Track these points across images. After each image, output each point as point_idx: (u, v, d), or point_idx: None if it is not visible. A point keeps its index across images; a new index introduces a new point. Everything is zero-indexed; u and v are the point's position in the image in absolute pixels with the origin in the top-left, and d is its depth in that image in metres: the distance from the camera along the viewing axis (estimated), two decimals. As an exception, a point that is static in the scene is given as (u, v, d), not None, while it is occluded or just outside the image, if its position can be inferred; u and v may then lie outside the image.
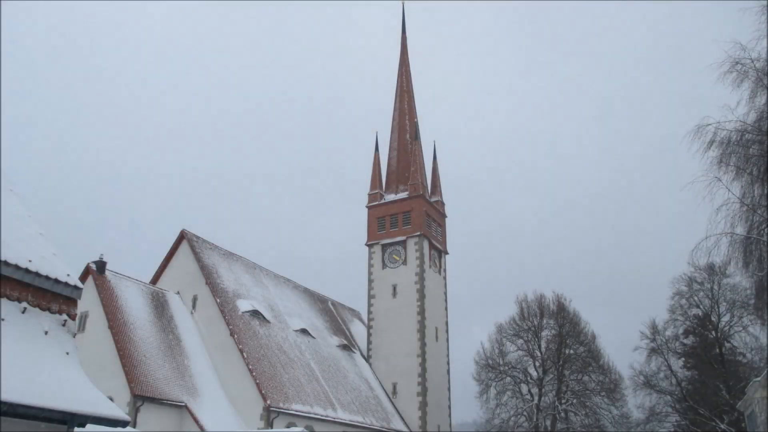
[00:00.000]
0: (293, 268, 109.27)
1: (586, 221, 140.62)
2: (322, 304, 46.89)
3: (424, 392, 41.88)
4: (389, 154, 51.54)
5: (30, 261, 9.97)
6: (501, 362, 43.22)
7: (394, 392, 42.72)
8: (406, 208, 47.02)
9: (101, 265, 31.06)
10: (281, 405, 30.16)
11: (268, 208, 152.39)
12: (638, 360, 40.54)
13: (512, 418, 41.21)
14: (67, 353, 10.08)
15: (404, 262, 45.57)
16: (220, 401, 30.23)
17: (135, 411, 26.28)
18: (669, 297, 39.16)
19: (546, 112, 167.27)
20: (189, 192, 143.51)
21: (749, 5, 17.51)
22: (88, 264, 31.00)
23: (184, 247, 36.15)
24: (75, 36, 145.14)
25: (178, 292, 35.11)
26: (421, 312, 43.76)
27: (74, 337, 10.60)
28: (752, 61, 17.62)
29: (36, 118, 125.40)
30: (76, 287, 10.68)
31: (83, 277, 30.13)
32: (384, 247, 46.73)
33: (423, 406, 41.57)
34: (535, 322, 43.37)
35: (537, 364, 42.36)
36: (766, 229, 17.54)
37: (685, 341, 39.65)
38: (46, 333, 9.95)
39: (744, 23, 17.44)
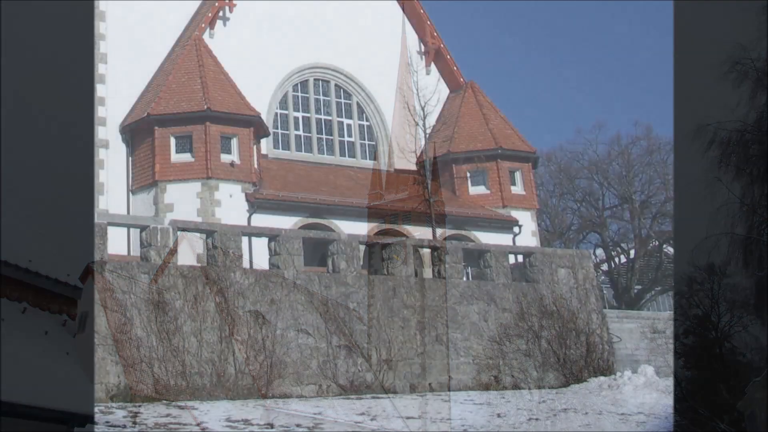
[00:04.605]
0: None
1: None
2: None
3: (424, 392, 41.81)
4: (389, 154, 51.48)
5: (30, 261, 9.95)
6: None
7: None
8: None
9: (101, 265, 30.98)
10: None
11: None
12: (638, 360, 40.58)
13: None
14: (67, 353, 10.09)
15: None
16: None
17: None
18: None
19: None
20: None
21: (749, 5, 17.48)
22: (88, 264, 30.94)
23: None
24: (74, 35, 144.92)
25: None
26: (421, 312, 43.67)
27: (74, 337, 10.59)
28: (752, 61, 17.60)
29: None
30: (76, 287, 10.67)
31: (83, 277, 30.08)
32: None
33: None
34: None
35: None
36: (766, 229, 17.52)
37: (685, 341, 39.60)
38: (46, 333, 9.94)
39: (744, 23, 17.41)
